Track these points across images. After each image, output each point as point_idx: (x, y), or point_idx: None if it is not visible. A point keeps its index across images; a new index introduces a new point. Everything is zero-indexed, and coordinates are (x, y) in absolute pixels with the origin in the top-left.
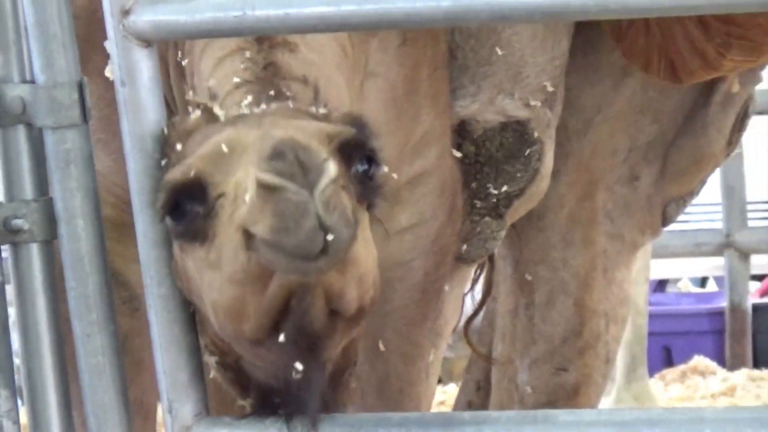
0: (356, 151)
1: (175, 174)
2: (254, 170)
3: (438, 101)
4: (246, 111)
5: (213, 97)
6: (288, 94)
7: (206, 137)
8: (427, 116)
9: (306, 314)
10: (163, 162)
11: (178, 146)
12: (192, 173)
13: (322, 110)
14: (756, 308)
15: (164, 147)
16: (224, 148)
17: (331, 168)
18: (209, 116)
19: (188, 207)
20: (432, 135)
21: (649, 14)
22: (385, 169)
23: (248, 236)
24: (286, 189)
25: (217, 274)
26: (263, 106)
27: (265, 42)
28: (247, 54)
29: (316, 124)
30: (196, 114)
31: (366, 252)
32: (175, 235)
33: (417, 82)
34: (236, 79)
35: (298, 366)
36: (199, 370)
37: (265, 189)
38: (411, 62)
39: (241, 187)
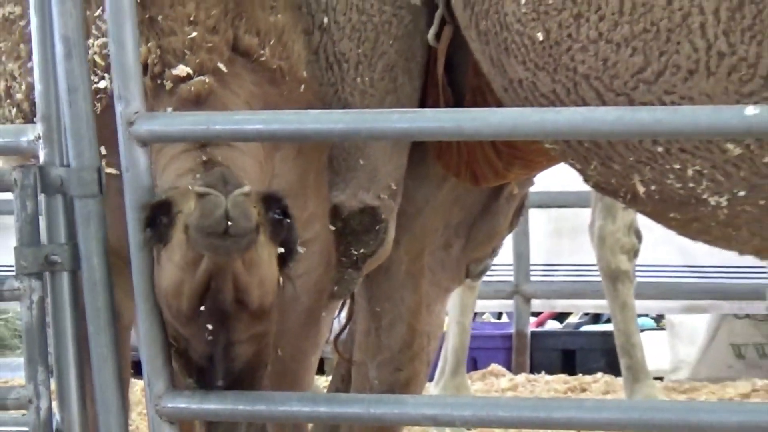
0: (274, 203)
1: (157, 196)
2: (194, 185)
3: (320, 194)
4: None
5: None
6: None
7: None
8: (312, 203)
9: (219, 292)
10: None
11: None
12: (165, 196)
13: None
14: (533, 334)
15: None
16: (190, 187)
17: (245, 187)
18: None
19: (158, 217)
20: (315, 215)
21: (466, 139)
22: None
23: (187, 231)
24: (210, 193)
25: (170, 264)
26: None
27: (210, 164)
28: (198, 174)
29: (252, 186)
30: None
31: (267, 265)
32: (149, 239)
33: (306, 181)
34: (186, 166)
35: (210, 336)
36: (169, 358)
37: (200, 196)
38: (302, 168)
39: (190, 211)
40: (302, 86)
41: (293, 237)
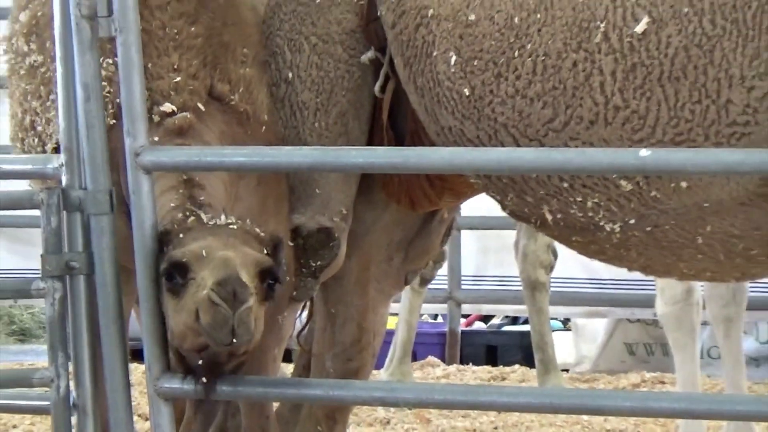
0: (269, 274)
1: (176, 254)
2: (209, 287)
3: (279, 216)
4: (220, 221)
5: (195, 207)
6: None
7: (196, 238)
8: (272, 224)
9: (216, 356)
10: (168, 243)
11: (180, 235)
12: (184, 259)
13: (260, 233)
14: (463, 332)
15: (170, 233)
16: (204, 253)
17: (250, 301)
18: (199, 221)
19: (175, 275)
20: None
21: (410, 171)
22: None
23: (197, 314)
24: (221, 307)
25: (179, 315)
26: (227, 219)
27: (188, 183)
28: (180, 190)
29: (253, 254)
30: (192, 219)
31: (257, 327)
32: (166, 288)
33: (266, 205)
34: (172, 204)
35: (204, 380)
36: (165, 347)
37: (212, 304)
38: (262, 195)
39: (202, 283)
40: (263, 127)
41: (278, 290)
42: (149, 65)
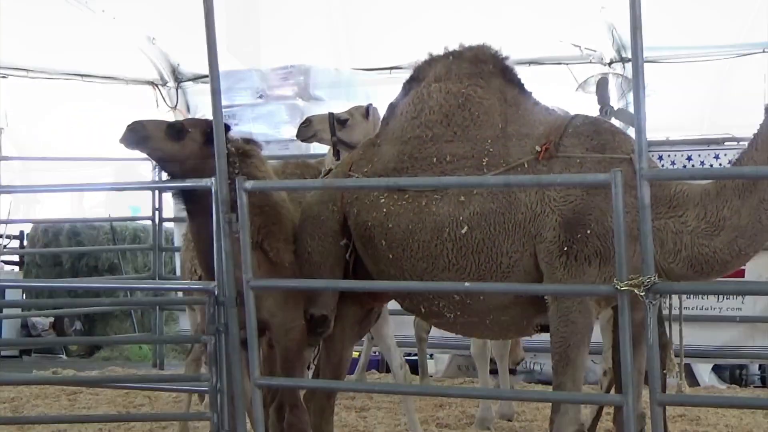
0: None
1: None
2: None
3: (298, 308)
4: None
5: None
6: None
7: None
8: (294, 313)
9: None
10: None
11: None
12: None
13: None
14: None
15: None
16: None
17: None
18: None
19: None
20: (297, 317)
21: (372, 290)
22: None
23: None
24: None
25: None
26: None
27: None
28: None
29: None
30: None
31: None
32: None
33: (291, 303)
34: None
35: None
36: (261, 359)
37: None
38: (288, 297)
39: None
40: (285, 268)
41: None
42: None
